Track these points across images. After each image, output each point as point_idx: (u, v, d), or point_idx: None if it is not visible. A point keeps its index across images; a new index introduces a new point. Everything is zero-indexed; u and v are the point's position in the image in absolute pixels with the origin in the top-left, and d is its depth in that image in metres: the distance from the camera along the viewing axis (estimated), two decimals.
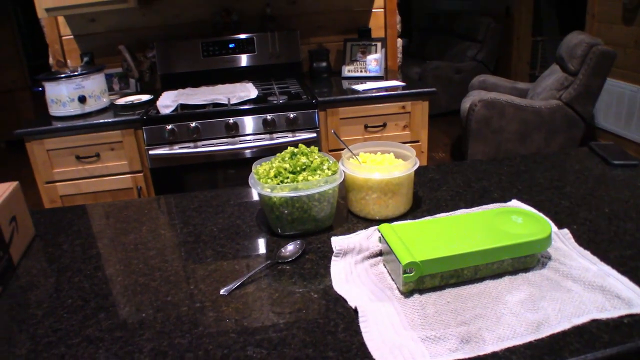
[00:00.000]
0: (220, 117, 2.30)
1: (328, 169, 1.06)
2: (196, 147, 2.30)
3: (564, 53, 3.65)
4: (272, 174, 1.03)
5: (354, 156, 1.14)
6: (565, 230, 1.02)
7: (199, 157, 2.32)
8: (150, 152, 2.29)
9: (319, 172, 1.04)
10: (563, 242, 0.99)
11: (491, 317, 0.78)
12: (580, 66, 3.51)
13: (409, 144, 2.48)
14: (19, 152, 2.33)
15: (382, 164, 1.11)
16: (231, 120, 2.29)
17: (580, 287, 0.84)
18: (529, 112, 3.57)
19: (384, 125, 2.44)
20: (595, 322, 0.77)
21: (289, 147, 1.10)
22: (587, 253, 0.95)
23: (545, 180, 1.31)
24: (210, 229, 1.14)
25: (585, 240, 1.00)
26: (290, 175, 1.03)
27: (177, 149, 2.30)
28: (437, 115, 5.26)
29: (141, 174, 2.40)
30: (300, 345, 0.75)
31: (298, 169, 1.04)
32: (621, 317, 0.77)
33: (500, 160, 1.47)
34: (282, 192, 0.99)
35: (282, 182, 1.02)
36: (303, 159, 1.05)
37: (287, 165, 1.04)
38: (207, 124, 2.30)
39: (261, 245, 1.06)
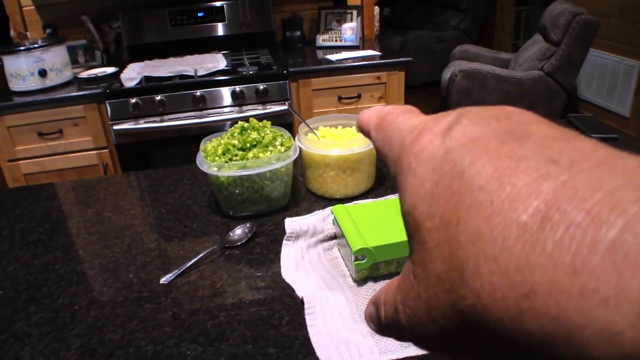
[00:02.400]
0: (187, 90, 2.20)
1: (281, 144, 0.98)
2: (162, 121, 2.21)
3: (547, 22, 3.56)
4: (220, 151, 0.96)
5: (311, 130, 1.06)
6: None
7: (166, 132, 2.23)
8: (115, 127, 2.19)
9: (270, 148, 0.96)
10: None
11: None
12: (563, 36, 3.43)
13: None
14: None
15: (341, 139, 1.04)
16: (198, 92, 2.19)
17: None
18: (510, 82, 3.50)
19: (359, 96, 2.36)
20: None
21: (239, 122, 1.01)
22: None
23: None
24: (159, 210, 1.07)
25: None
26: (240, 153, 0.95)
27: (142, 124, 2.20)
28: (419, 87, 5.17)
29: (107, 150, 2.30)
30: (239, 341, 0.69)
31: (248, 145, 0.96)
32: None
33: None
34: (230, 171, 0.92)
35: (230, 160, 0.94)
36: (254, 135, 0.97)
37: (236, 142, 0.96)
38: (173, 97, 2.20)
39: (210, 228, 0.98)
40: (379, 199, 1.00)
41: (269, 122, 1.02)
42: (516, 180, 0.16)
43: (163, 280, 0.82)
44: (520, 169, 0.17)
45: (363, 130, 0.28)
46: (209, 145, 1.00)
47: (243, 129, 0.99)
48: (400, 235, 0.76)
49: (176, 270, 0.83)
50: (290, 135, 1.02)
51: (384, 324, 0.23)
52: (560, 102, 3.60)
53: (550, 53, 3.52)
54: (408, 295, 0.20)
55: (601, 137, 1.33)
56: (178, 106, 2.21)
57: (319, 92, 2.33)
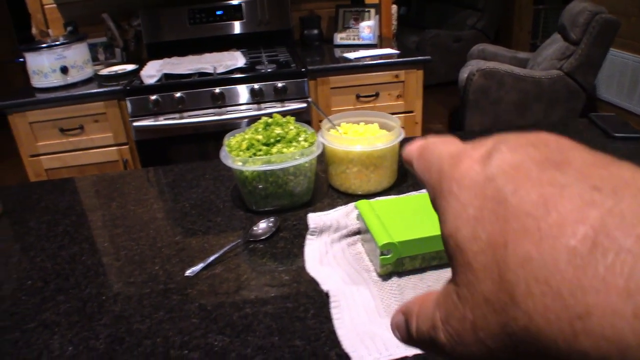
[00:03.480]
0: (206, 87, 2.21)
1: (305, 140, 0.99)
2: (182, 118, 2.22)
3: (566, 21, 3.53)
4: (244, 146, 0.97)
5: (334, 127, 1.06)
6: None
7: (185, 129, 2.25)
8: (135, 123, 2.21)
9: (294, 144, 0.97)
10: None
11: None
12: (583, 35, 3.40)
13: (403, 115, 2.40)
14: (7, 126, 2.26)
15: (364, 135, 1.04)
16: (217, 90, 2.21)
17: None
18: (528, 82, 3.48)
19: (377, 94, 2.36)
20: None
21: (262, 118, 1.02)
22: None
23: None
24: (183, 204, 1.08)
25: None
26: (264, 148, 0.96)
27: (162, 120, 2.22)
28: (435, 86, 5.15)
29: (127, 147, 2.33)
30: (266, 333, 0.69)
31: (272, 140, 0.97)
32: None
33: (495, 132, 1.40)
34: (254, 166, 0.93)
35: (254, 154, 0.95)
36: (277, 130, 0.98)
37: (260, 137, 0.97)
38: (193, 94, 2.21)
39: (234, 222, 0.99)
40: (402, 195, 1.01)
41: (293, 118, 1.03)
42: (561, 207, 0.17)
43: (188, 272, 0.83)
44: (564, 196, 0.17)
45: (408, 162, 0.28)
46: (233, 140, 1.01)
47: (267, 125, 1.00)
48: (425, 231, 0.77)
49: (201, 263, 0.84)
50: (313, 131, 1.03)
51: (415, 337, 0.24)
52: (579, 102, 3.57)
53: (570, 52, 3.49)
54: (451, 315, 0.20)
55: (624, 136, 1.31)
56: (197, 103, 2.23)
57: (337, 90, 2.33)
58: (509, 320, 0.17)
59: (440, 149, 0.24)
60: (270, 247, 0.89)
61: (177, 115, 2.22)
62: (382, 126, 1.09)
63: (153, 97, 2.19)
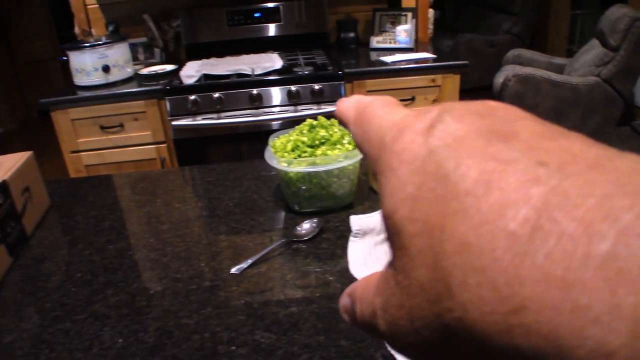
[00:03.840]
0: (244, 88, 2.24)
1: (349, 143, 1.00)
2: (219, 118, 2.26)
3: (605, 27, 3.48)
4: (289, 147, 0.98)
5: None
6: None
7: (222, 129, 2.28)
8: (173, 122, 2.25)
9: (338, 146, 0.98)
10: None
11: None
12: (622, 41, 3.34)
13: None
14: (49, 123, 2.33)
15: None
16: (255, 91, 2.24)
17: None
18: (565, 88, 3.43)
19: (413, 99, 2.36)
20: None
21: (307, 120, 1.04)
22: None
23: None
24: (226, 203, 1.10)
25: None
26: (308, 149, 0.97)
27: (200, 120, 2.26)
28: (469, 91, 5.11)
29: (165, 145, 2.37)
30: (312, 332, 0.71)
31: (317, 142, 0.98)
32: None
33: None
34: (299, 167, 0.94)
35: (299, 156, 0.97)
36: (322, 132, 0.99)
37: (305, 139, 0.98)
38: (231, 95, 2.25)
39: (277, 222, 1.01)
40: None
41: (336, 121, 1.04)
42: (504, 184, 0.15)
43: (234, 270, 0.85)
44: (508, 172, 0.16)
45: (341, 121, 0.27)
46: (278, 141, 1.02)
47: (312, 127, 1.01)
48: None
49: (247, 261, 0.86)
50: None
51: (359, 321, 0.22)
52: (617, 109, 3.51)
53: (608, 59, 3.43)
54: (389, 302, 0.19)
55: None
56: (234, 104, 2.26)
57: (373, 94, 2.33)
58: (443, 311, 0.16)
59: (380, 116, 0.23)
60: (314, 247, 0.91)
61: (214, 115, 2.25)
62: None
63: (192, 97, 2.23)
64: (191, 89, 2.24)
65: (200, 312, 0.77)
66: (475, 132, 0.18)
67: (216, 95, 2.23)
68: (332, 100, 2.26)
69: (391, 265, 0.19)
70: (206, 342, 0.71)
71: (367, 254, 0.86)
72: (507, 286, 0.14)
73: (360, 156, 0.98)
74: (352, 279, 0.81)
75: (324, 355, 0.66)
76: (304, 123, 1.03)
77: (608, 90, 3.45)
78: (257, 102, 2.25)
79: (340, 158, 0.95)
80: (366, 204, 1.04)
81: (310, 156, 0.96)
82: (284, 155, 0.97)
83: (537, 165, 0.15)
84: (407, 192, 0.18)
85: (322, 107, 2.26)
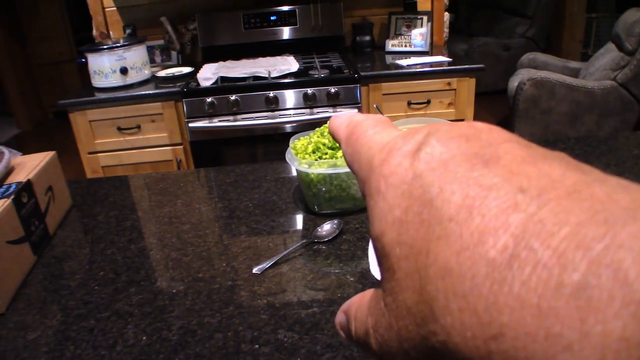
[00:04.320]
0: (261, 91, 2.26)
1: None
2: (236, 120, 2.27)
3: (621, 31, 3.45)
4: (310, 149, 0.99)
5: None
6: None
7: (239, 131, 2.30)
8: (190, 124, 2.27)
9: None
10: None
11: None
12: (639, 45, 3.32)
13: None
14: (66, 124, 2.36)
15: None
16: (271, 93, 2.25)
17: None
18: (580, 92, 3.41)
19: (428, 102, 2.36)
20: None
21: (328, 122, 1.04)
22: None
23: (601, 165, 1.22)
24: (246, 204, 1.11)
25: None
26: (329, 151, 0.98)
27: (216, 122, 2.27)
28: (483, 94, 5.09)
29: (181, 147, 2.39)
30: (334, 332, 0.71)
31: (337, 145, 0.99)
32: None
33: (552, 142, 1.39)
34: (320, 169, 0.95)
35: (320, 158, 0.97)
36: None
37: (326, 141, 0.99)
38: (247, 97, 2.26)
39: (297, 223, 1.02)
40: None
41: None
42: (485, 210, 0.16)
43: (256, 270, 0.86)
44: (489, 198, 0.16)
45: (334, 137, 0.28)
46: (298, 143, 1.03)
47: None
48: None
49: (268, 261, 0.87)
50: None
51: (354, 339, 0.23)
52: (633, 114, 3.48)
53: (624, 63, 3.41)
54: (379, 323, 0.20)
55: None
56: (251, 106, 2.27)
57: (389, 97, 2.34)
58: (429, 334, 0.16)
59: (370, 137, 0.23)
60: (334, 248, 0.91)
61: (231, 118, 2.27)
62: None
63: (209, 99, 2.24)
64: (208, 91, 2.26)
65: (222, 311, 0.78)
66: (459, 156, 0.18)
67: (232, 97, 2.25)
68: (348, 103, 2.27)
69: (381, 286, 0.20)
70: (229, 340, 0.72)
71: None
72: (486, 313, 0.15)
73: None
74: (374, 280, 0.81)
75: (346, 354, 0.67)
76: (325, 125, 1.04)
77: (624, 95, 3.43)
78: (273, 105, 2.26)
79: None
80: None
81: (331, 158, 0.97)
82: (304, 157, 0.98)
83: (517, 192, 0.16)
84: (395, 215, 0.19)
85: (338, 109, 2.26)
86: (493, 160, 0.18)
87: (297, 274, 0.85)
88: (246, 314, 0.77)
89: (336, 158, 0.96)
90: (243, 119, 2.27)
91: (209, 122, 2.27)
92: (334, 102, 2.27)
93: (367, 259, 0.86)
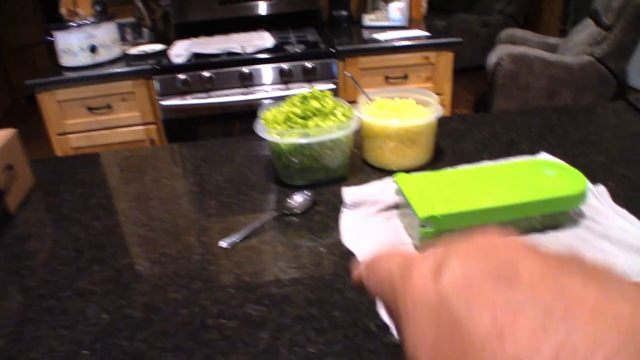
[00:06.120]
0: (235, 67, 2.20)
1: (342, 114, 0.97)
2: (210, 97, 2.22)
3: (599, 6, 3.44)
4: (280, 119, 0.95)
5: (370, 101, 1.04)
6: (601, 187, 0.93)
7: (212, 108, 2.24)
8: (162, 102, 2.21)
9: (331, 117, 0.95)
10: (598, 199, 0.90)
11: None
12: (616, 20, 3.31)
13: None
14: (38, 109, 2.28)
15: (400, 111, 1.02)
16: (246, 70, 2.20)
17: (617, 248, 0.75)
18: (558, 68, 3.40)
19: (406, 77, 2.33)
20: None
21: (300, 92, 1.01)
22: (625, 212, 0.85)
23: (579, 135, 1.20)
24: (216, 179, 1.07)
25: (622, 198, 0.90)
26: (301, 121, 0.94)
27: (190, 100, 2.22)
28: (461, 71, 5.06)
29: (154, 126, 2.33)
30: (304, 304, 0.68)
31: (309, 114, 0.95)
32: None
33: (530, 113, 1.37)
34: (291, 139, 0.91)
35: (291, 128, 0.94)
36: (315, 104, 0.96)
37: (297, 110, 0.95)
38: (221, 74, 2.21)
39: (269, 196, 0.98)
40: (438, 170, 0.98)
41: (330, 92, 1.01)
42: (517, 337, 0.16)
43: (224, 244, 0.83)
44: (518, 322, 0.17)
45: (358, 284, 0.29)
46: (269, 113, 0.99)
47: (304, 98, 0.98)
48: (467, 205, 0.75)
49: (238, 235, 0.83)
50: (350, 105, 1.01)
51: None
52: (609, 88, 3.49)
53: (602, 38, 3.40)
54: None
55: None
56: (225, 83, 2.22)
57: (366, 72, 2.31)
58: None
59: (388, 261, 0.24)
60: (306, 220, 0.88)
61: (204, 95, 2.22)
62: (418, 102, 1.07)
63: (181, 77, 2.19)
64: (180, 68, 2.20)
65: (189, 287, 0.74)
66: (481, 277, 0.19)
67: (206, 74, 2.19)
68: (325, 78, 2.23)
69: None
70: (195, 316, 0.68)
71: (360, 225, 0.83)
72: None
73: (354, 127, 0.95)
74: (345, 252, 0.78)
75: (316, 326, 0.64)
76: (296, 94, 1.00)
77: (601, 70, 3.43)
78: (248, 81, 2.21)
79: (333, 129, 0.92)
80: (359, 177, 1.02)
81: (303, 128, 0.93)
82: (275, 127, 0.94)
83: (544, 315, 0.16)
84: (427, 343, 0.19)
85: (315, 85, 2.22)
86: (514, 279, 0.18)
87: (267, 247, 0.82)
88: (214, 288, 0.73)
89: (307, 128, 0.93)
90: (217, 96, 2.22)
91: (182, 100, 2.21)
92: (310, 77, 2.22)
93: (340, 230, 0.84)
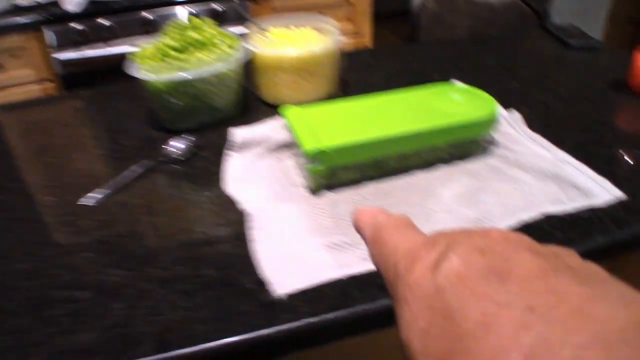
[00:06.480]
0: (137, 12, 2.01)
1: (226, 45, 0.84)
2: (110, 47, 2.02)
3: None
4: (155, 54, 0.82)
5: (261, 30, 0.92)
6: (515, 113, 0.85)
7: (115, 60, 2.01)
8: (57, 56, 2.00)
9: (213, 49, 0.83)
10: (511, 125, 0.83)
11: (419, 215, 0.61)
12: None
13: (352, 39, 2.25)
14: None
15: (296, 40, 0.90)
16: (150, 16, 2.01)
17: (531, 176, 0.68)
18: (482, 8, 3.34)
19: None
20: (547, 217, 0.61)
21: (176, 20, 0.87)
22: (540, 138, 0.78)
23: (494, 62, 1.13)
24: (92, 128, 0.93)
25: (537, 124, 0.83)
26: (178, 55, 0.81)
27: (89, 52, 2.01)
28: (386, 16, 4.97)
29: (52, 84, 2.11)
30: (171, 263, 0.57)
31: (187, 46, 0.82)
32: (578, 212, 0.62)
33: (445, 43, 1.28)
34: (166, 75, 0.78)
35: (167, 63, 0.80)
36: (194, 34, 0.83)
37: (172, 42, 0.82)
38: (123, 22, 2.01)
39: (148, 144, 0.85)
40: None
41: (212, 20, 0.88)
42: (500, 329, 0.18)
43: (86, 201, 0.70)
44: (503, 317, 0.18)
45: (359, 233, 0.31)
46: (143, 50, 0.85)
47: (181, 28, 0.85)
48: (360, 136, 0.65)
49: (104, 190, 0.71)
50: (237, 35, 0.89)
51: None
52: (532, 28, 3.48)
53: None
54: None
55: (582, 45, 1.21)
56: (127, 31, 2.02)
57: (282, 13, 2.15)
58: None
59: (395, 242, 0.26)
60: (188, 167, 0.76)
61: (104, 45, 2.02)
62: (318, 31, 0.96)
63: (78, 27, 1.97)
64: (76, 17, 1.98)
65: (39, 254, 0.62)
66: (476, 272, 0.21)
67: (105, 22, 1.99)
68: (236, 21, 2.07)
69: None
70: (40, 289, 0.56)
71: (247, 169, 0.72)
72: None
73: (240, 59, 0.83)
74: (227, 201, 0.67)
75: (182, 288, 0.53)
76: (172, 24, 0.86)
77: (524, 9, 3.39)
78: (152, 28, 2.02)
79: (215, 62, 0.80)
80: (255, 116, 0.90)
81: (180, 62, 0.80)
82: (149, 63, 0.81)
83: (527, 311, 0.18)
84: (420, 327, 0.21)
85: (226, 28, 2.06)
86: (506, 275, 0.20)
87: (139, 200, 0.70)
88: (68, 254, 0.61)
89: (186, 61, 0.80)
90: (118, 46, 2.02)
91: (80, 53, 2.01)
92: (220, 21, 2.05)
93: (224, 177, 0.72)
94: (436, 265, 0.22)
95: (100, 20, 1.99)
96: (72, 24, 1.97)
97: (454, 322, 0.19)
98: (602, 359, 0.16)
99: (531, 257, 0.21)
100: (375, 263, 0.28)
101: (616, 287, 0.19)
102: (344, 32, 2.20)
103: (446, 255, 0.22)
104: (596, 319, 0.17)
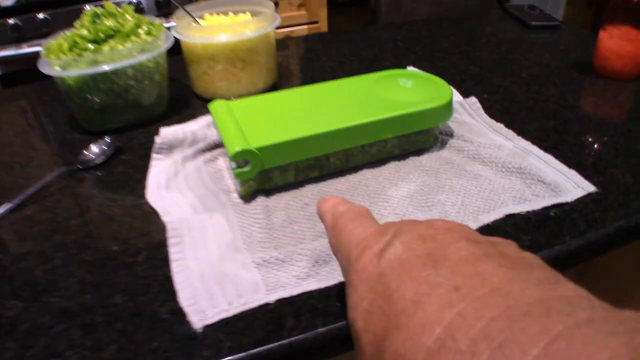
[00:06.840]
0: (75, 5, 1.88)
1: (148, 33, 0.75)
2: None
3: None
4: (65, 46, 0.72)
5: (191, 17, 0.83)
6: (473, 99, 0.79)
7: None
8: None
9: (133, 38, 0.73)
10: (469, 113, 0.76)
11: None
12: None
13: (307, 26, 2.17)
14: None
15: (229, 26, 0.82)
16: (90, 6, 1.88)
17: (492, 170, 0.61)
18: None
19: (276, 4, 2.10)
20: (511, 218, 0.54)
21: (92, 8, 0.77)
22: (501, 126, 0.72)
23: (451, 45, 1.06)
24: (5, 133, 0.83)
25: (498, 111, 0.77)
26: (92, 46, 0.72)
27: (26, 48, 1.88)
28: (346, 4, 4.90)
29: None
30: (76, 290, 0.49)
31: (102, 36, 0.73)
32: (546, 209, 0.55)
33: (399, 25, 1.21)
34: (77, 69, 0.69)
35: (79, 56, 0.71)
36: (110, 22, 0.74)
37: (85, 32, 0.72)
38: (61, 14, 1.88)
39: (64, 149, 0.75)
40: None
41: (132, 7, 0.78)
42: (428, 306, 0.20)
43: None
44: (432, 296, 0.21)
45: (321, 220, 0.34)
46: (54, 42, 0.76)
47: (95, 16, 0.75)
48: (295, 132, 0.57)
49: (6, 204, 0.61)
50: (160, 23, 0.79)
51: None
52: (494, 12, 3.44)
53: None
54: None
55: (542, 24, 1.16)
56: (66, 24, 1.89)
57: None
58: None
59: (350, 231, 0.29)
60: (106, 174, 0.67)
61: (42, 41, 1.88)
62: (256, 15, 0.87)
63: (11, 21, 1.84)
64: (8, 11, 1.84)
65: None
66: (415, 257, 0.23)
67: (41, 16, 1.86)
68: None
69: None
70: None
71: (172, 174, 0.64)
72: None
73: (163, 48, 0.74)
74: (147, 211, 0.59)
75: (86, 322, 0.45)
76: (86, 12, 0.77)
77: None
78: None
79: (134, 52, 0.70)
80: (186, 113, 0.81)
81: (94, 54, 0.71)
82: (59, 57, 0.71)
83: (453, 290, 0.20)
84: (363, 307, 0.24)
85: (172, 20, 1.95)
86: (441, 261, 0.23)
87: (45, 214, 0.61)
88: None
89: (99, 53, 0.70)
90: None
91: (16, 50, 1.87)
92: (167, 11, 1.95)
93: (145, 182, 0.64)
94: (382, 252, 0.24)
95: (36, 14, 1.85)
96: (5, 19, 1.84)
97: (391, 302, 0.22)
98: (506, 328, 0.17)
99: (467, 245, 0.23)
100: (334, 251, 0.30)
101: (539, 272, 0.21)
102: (300, 21, 2.12)
103: (391, 243, 0.24)
104: (509, 296, 0.19)
